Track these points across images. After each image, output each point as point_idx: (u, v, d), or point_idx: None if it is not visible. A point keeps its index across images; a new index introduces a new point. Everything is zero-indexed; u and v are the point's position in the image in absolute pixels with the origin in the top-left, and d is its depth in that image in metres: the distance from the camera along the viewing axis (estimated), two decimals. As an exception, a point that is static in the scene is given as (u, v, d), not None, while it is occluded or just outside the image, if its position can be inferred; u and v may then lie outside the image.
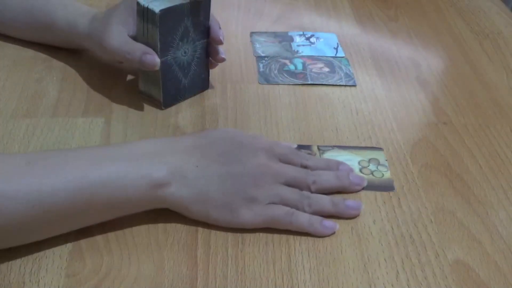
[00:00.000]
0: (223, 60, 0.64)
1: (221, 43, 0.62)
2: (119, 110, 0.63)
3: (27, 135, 0.58)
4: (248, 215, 0.49)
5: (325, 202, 0.51)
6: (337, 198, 0.52)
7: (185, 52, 0.61)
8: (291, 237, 0.50)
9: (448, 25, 0.86)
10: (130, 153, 0.48)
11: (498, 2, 0.94)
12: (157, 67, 0.58)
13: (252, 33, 0.79)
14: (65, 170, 0.45)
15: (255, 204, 0.49)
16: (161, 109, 0.63)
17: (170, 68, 0.61)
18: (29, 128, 0.59)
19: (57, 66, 0.69)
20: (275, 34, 0.79)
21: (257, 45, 0.76)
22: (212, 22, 0.62)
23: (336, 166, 0.56)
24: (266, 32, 0.80)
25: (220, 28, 0.63)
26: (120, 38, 0.59)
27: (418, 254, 0.49)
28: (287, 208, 0.50)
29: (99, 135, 0.59)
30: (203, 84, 0.66)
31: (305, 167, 0.54)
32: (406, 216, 0.53)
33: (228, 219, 0.49)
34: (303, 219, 0.50)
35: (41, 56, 0.71)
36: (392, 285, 0.46)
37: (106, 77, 0.68)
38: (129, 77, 0.68)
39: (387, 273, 0.47)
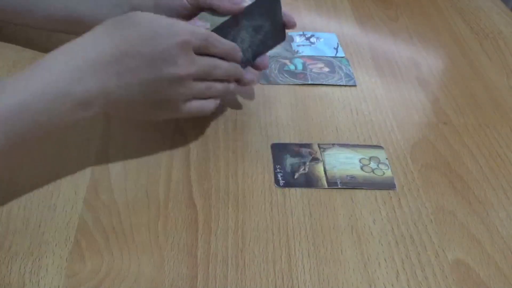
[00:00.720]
0: (265, 67, 0.63)
1: (265, 68, 0.63)
2: (119, 110, 0.63)
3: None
4: (165, 115, 0.55)
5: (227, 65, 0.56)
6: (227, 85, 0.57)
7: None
8: (291, 237, 0.50)
9: (448, 25, 0.86)
10: (49, 70, 0.48)
11: (498, 2, 0.94)
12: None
13: (252, 33, 0.79)
14: None
15: (172, 103, 0.53)
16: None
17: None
18: (29, 128, 0.59)
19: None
20: (275, 34, 0.79)
21: (257, 45, 0.76)
22: (268, 48, 0.62)
23: (237, 54, 0.57)
24: (266, 32, 0.80)
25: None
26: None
27: (418, 254, 0.49)
28: (199, 102, 0.55)
29: (99, 135, 0.59)
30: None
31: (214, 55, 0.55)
32: (406, 216, 0.53)
33: (151, 118, 0.55)
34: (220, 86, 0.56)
35: (41, 56, 0.70)
36: (392, 285, 0.46)
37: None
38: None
39: (387, 273, 0.47)
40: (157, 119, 0.57)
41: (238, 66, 0.58)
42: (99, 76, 0.48)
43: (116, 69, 0.49)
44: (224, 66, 0.56)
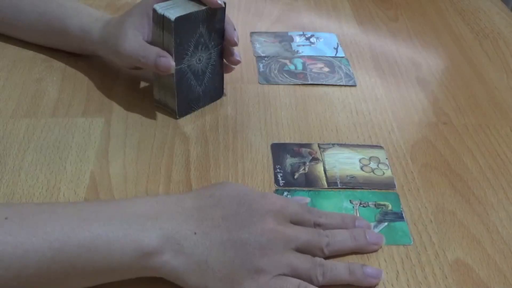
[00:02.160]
0: (238, 62, 0.63)
1: (235, 44, 0.61)
2: (119, 110, 0.63)
3: (27, 135, 0.58)
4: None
5: (340, 270, 0.45)
6: (355, 264, 0.46)
7: (199, 60, 0.60)
8: (291, 237, 0.50)
9: (448, 25, 0.86)
10: (120, 214, 0.42)
11: (498, 2, 0.94)
12: (172, 71, 0.57)
13: (252, 33, 0.79)
14: (45, 229, 0.39)
15: (261, 276, 0.42)
16: (175, 118, 0.62)
17: (185, 76, 0.60)
18: (29, 128, 0.59)
19: (57, 66, 0.69)
20: (275, 34, 0.79)
21: (257, 45, 0.76)
22: (227, 24, 0.60)
23: (352, 222, 0.50)
24: (266, 32, 0.80)
25: (235, 29, 0.61)
26: (135, 42, 0.58)
27: (418, 254, 0.49)
28: (298, 282, 0.43)
29: (99, 135, 0.59)
30: (217, 92, 0.65)
31: (318, 225, 0.48)
32: (406, 216, 0.53)
33: None
34: None
35: (41, 56, 0.71)
36: (392, 285, 0.46)
37: (106, 77, 0.68)
38: (143, 84, 0.68)
39: (387, 273, 0.47)
40: None
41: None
42: (173, 222, 0.43)
43: (194, 220, 0.43)
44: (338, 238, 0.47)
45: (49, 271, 0.39)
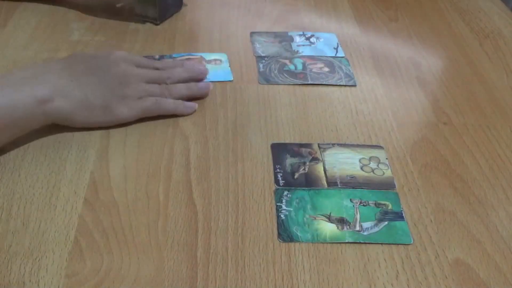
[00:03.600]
0: None
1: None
2: (119, 110, 0.63)
3: (27, 135, 0.58)
4: (124, 110, 0.59)
5: (181, 87, 0.63)
6: (191, 83, 0.64)
7: None
8: (291, 237, 0.50)
9: (448, 25, 0.86)
10: (12, 80, 0.55)
11: (498, 2, 0.94)
12: None
13: (252, 33, 0.79)
14: None
15: (127, 100, 0.59)
16: (156, 24, 0.77)
17: None
18: (29, 128, 0.59)
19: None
20: (275, 34, 0.79)
21: (257, 45, 0.76)
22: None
23: (181, 63, 0.67)
24: (266, 32, 0.80)
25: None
26: None
27: (418, 254, 0.49)
28: (155, 98, 0.60)
29: (99, 135, 0.59)
30: (180, 2, 0.82)
31: (157, 69, 0.64)
32: (406, 216, 0.53)
33: (108, 118, 0.59)
34: (169, 104, 0.61)
35: (41, 56, 0.71)
36: (392, 285, 0.46)
37: (106, 77, 0.68)
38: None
39: (387, 273, 0.47)
40: (116, 119, 0.59)
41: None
42: (53, 77, 0.56)
43: (67, 72, 0.57)
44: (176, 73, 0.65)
45: None
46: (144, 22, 0.78)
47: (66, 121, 0.58)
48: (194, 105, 0.63)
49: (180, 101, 0.62)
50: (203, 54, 0.73)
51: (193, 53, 0.73)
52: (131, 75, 0.60)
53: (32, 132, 0.58)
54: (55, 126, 0.58)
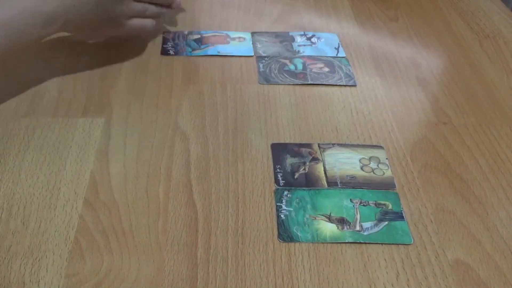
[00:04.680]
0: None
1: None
2: (119, 110, 0.63)
3: (27, 135, 0.58)
4: (124, 9, 0.66)
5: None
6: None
7: None
8: (291, 237, 0.50)
9: (448, 25, 0.86)
10: (19, 3, 0.58)
11: (498, 2, 0.94)
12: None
13: (253, 33, 0.79)
14: None
15: (125, 2, 0.65)
16: None
17: None
18: (29, 128, 0.59)
19: (57, 66, 0.69)
20: (276, 34, 0.79)
21: (258, 45, 0.76)
22: None
23: None
24: (267, 32, 0.80)
25: None
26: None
27: (418, 254, 0.49)
28: (148, 5, 0.69)
29: (99, 135, 0.59)
30: None
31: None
32: (406, 216, 0.53)
33: (114, 29, 0.67)
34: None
35: (41, 56, 0.71)
36: (392, 285, 0.46)
37: (106, 77, 0.68)
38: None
39: (387, 273, 0.47)
40: (105, 35, 0.70)
41: None
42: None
43: None
44: None
45: None
46: None
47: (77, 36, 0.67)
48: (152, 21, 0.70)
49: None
50: (228, 32, 0.79)
51: (219, 31, 0.79)
52: None
53: (32, 132, 0.59)
54: (56, 124, 0.58)
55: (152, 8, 0.70)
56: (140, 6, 0.68)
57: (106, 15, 0.65)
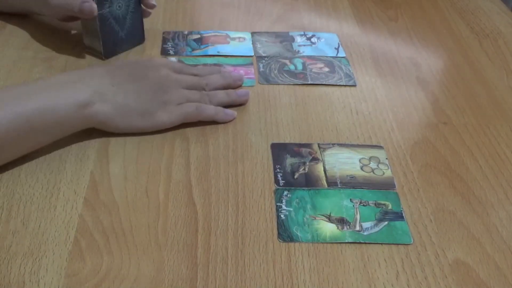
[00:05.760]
0: (153, 6, 0.72)
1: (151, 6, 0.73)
2: (119, 110, 0.63)
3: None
4: (165, 116, 0.59)
5: (221, 94, 0.63)
6: (230, 90, 0.65)
7: (119, 6, 0.69)
8: (291, 237, 0.50)
9: (448, 25, 0.86)
10: (55, 83, 0.56)
11: (498, 2, 0.94)
12: (95, 13, 0.66)
13: (253, 33, 0.79)
14: (2, 104, 0.51)
15: (168, 105, 0.59)
16: (102, 59, 0.70)
17: (107, 20, 0.68)
18: (29, 128, 0.59)
19: (57, 66, 0.69)
20: (276, 34, 0.79)
21: (258, 45, 0.76)
22: None
23: (218, 69, 0.68)
24: (267, 32, 0.80)
25: None
26: None
27: (418, 254, 0.49)
28: (195, 104, 0.61)
29: (99, 135, 0.59)
30: (139, 37, 0.74)
31: (196, 75, 0.65)
32: (406, 216, 0.53)
33: (149, 124, 0.59)
34: (209, 110, 0.61)
35: (41, 56, 0.71)
36: (392, 285, 0.46)
37: (106, 77, 0.68)
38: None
39: (387, 273, 0.47)
40: (155, 124, 0.60)
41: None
42: (95, 81, 0.57)
43: (109, 78, 0.58)
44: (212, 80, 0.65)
45: (13, 135, 0.51)
46: (92, 54, 0.72)
47: (106, 126, 0.58)
48: (233, 112, 0.63)
49: (220, 107, 0.62)
50: (228, 32, 0.79)
51: (219, 31, 0.78)
52: (171, 80, 0.61)
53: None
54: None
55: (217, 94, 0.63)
56: (197, 94, 0.62)
57: (149, 100, 0.59)
